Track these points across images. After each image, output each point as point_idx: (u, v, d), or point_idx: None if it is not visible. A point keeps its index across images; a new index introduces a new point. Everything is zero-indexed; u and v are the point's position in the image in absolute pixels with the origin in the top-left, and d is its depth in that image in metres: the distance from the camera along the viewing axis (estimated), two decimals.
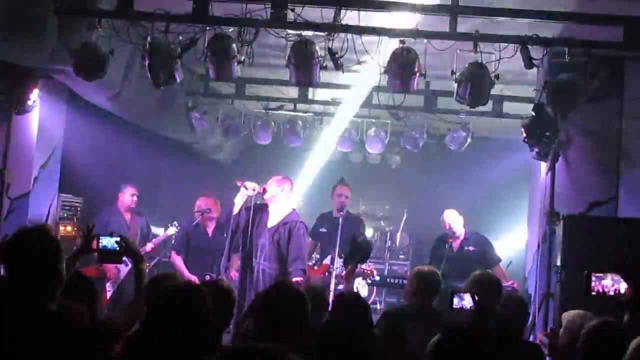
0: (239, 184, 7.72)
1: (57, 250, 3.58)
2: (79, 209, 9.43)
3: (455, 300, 4.88)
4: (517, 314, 5.28)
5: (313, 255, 9.73)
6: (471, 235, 9.35)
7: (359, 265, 8.66)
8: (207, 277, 8.56)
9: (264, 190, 7.79)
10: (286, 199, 7.93)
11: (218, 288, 4.33)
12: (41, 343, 3.26)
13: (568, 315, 5.03)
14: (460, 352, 3.24)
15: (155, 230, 10.05)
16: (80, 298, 4.31)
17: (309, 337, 3.89)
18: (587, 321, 4.74)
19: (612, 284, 4.08)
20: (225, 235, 8.91)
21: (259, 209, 7.85)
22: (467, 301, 4.83)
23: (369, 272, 8.95)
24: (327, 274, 8.83)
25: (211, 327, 3.35)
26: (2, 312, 3.35)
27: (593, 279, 4.13)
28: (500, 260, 9.27)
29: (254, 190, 7.67)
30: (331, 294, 8.08)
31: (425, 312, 5.63)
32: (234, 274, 8.48)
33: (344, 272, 7.66)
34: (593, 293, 4.15)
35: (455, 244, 9.28)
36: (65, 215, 9.26)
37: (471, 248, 9.20)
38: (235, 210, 7.74)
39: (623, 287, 4.08)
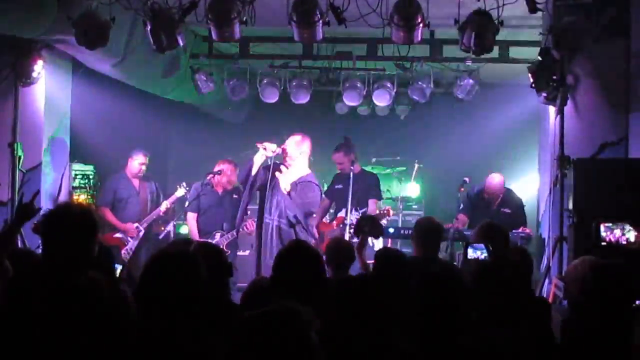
0: (258, 145, 7.73)
1: (92, 229, 3.60)
2: (90, 177, 9.48)
3: (470, 251, 4.93)
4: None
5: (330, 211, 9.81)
6: (507, 195, 9.42)
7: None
8: (217, 235, 8.67)
9: (284, 152, 7.79)
10: (305, 160, 7.91)
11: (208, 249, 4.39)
12: (68, 316, 3.30)
13: (569, 268, 5.05)
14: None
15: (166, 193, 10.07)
16: (101, 267, 4.37)
17: (324, 294, 3.93)
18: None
19: (621, 233, 4.07)
20: (234, 196, 8.98)
21: (277, 168, 7.84)
22: (481, 252, 4.87)
23: (385, 212, 8.88)
24: (341, 226, 8.90)
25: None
26: (30, 286, 3.39)
27: (602, 229, 4.12)
28: (525, 223, 9.28)
29: (273, 152, 7.67)
30: None
31: (428, 263, 5.63)
32: (251, 223, 8.55)
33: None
34: (603, 243, 4.14)
35: (494, 204, 9.32)
36: (78, 184, 9.32)
37: (507, 210, 9.24)
38: (254, 170, 7.76)
39: (632, 235, 4.08)
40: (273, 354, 1.98)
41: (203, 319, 3.11)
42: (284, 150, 7.81)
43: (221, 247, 7.65)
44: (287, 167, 7.83)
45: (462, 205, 9.32)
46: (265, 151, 7.68)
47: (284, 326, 2.04)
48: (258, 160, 7.77)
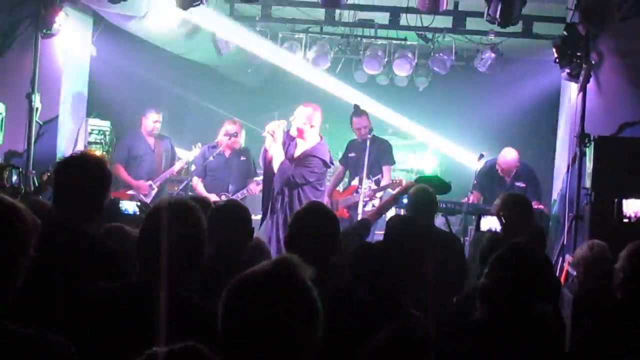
0: (264, 134, 7.40)
1: (103, 180, 3.54)
2: (107, 133, 9.46)
3: (483, 222, 4.89)
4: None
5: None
6: (523, 169, 9.27)
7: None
8: (223, 197, 8.61)
9: (298, 129, 7.46)
10: (315, 131, 7.58)
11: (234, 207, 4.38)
12: (78, 264, 3.28)
13: (576, 256, 5.02)
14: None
15: (181, 153, 10.01)
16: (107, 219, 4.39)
17: (341, 256, 3.92)
18: (594, 247, 4.71)
19: None
20: (242, 157, 8.92)
21: (289, 140, 7.58)
22: (494, 223, 4.83)
23: (397, 182, 8.69)
24: (354, 194, 8.82)
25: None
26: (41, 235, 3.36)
27: (624, 205, 4.07)
28: (539, 198, 9.18)
29: (284, 130, 7.40)
30: (359, 216, 8.11)
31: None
32: (254, 186, 8.58)
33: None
34: (625, 220, 4.08)
35: (508, 179, 9.19)
36: (93, 139, 9.31)
37: (522, 184, 9.09)
38: (272, 156, 7.37)
39: None
40: (265, 312, 1.91)
41: (214, 279, 3.07)
42: (297, 129, 7.47)
43: None
44: (303, 140, 7.54)
45: (475, 182, 9.20)
46: (273, 137, 7.31)
47: (280, 281, 1.97)
48: (270, 145, 7.39)
